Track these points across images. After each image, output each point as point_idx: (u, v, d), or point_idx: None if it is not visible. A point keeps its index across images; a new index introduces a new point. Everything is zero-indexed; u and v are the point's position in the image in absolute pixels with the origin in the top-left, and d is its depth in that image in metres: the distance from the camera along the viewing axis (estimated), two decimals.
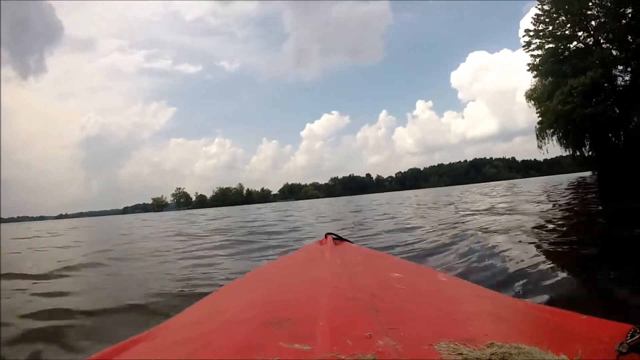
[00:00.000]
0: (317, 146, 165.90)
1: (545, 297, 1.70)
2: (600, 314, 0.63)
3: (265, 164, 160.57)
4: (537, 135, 16.52)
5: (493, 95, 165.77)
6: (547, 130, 15.68)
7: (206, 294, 1.04)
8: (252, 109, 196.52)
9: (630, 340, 0.49)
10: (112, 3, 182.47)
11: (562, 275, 1.94)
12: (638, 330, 0.50)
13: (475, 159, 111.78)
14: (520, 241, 3.00)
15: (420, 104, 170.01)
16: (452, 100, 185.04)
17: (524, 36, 15.76)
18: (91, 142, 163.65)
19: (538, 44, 15.56)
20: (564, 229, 3.74)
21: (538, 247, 2.74)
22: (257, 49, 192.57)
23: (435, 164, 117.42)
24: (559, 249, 2.67)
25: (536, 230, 3.59)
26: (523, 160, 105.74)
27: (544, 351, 0.46)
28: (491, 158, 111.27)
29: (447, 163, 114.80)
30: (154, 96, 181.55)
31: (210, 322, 0.68)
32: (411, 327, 0.53)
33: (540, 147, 16.62)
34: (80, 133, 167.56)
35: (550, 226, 3.80)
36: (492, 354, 0.45)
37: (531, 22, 15.39)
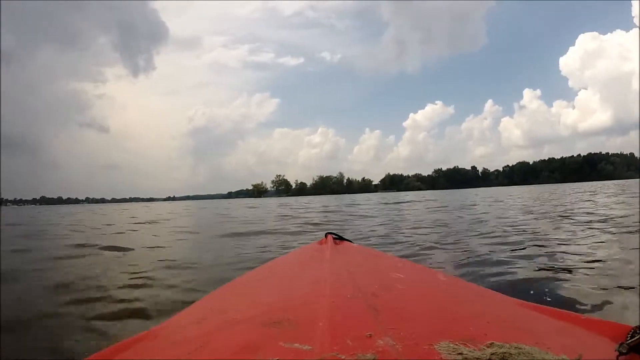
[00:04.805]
0: (421, 137, 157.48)
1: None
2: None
3: (367, 155, 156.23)
4: None
5: (606, 83, 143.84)
6: None
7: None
8: (354, 98, 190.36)
9: (630, 341, 0.49)
10: (212, 4, 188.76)
11: None
12: (638, 331, 0.50)
13: (590, 153, 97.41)
14: None
15: (527, 93, 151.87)
16: (561, 88, 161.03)
17: None
18: (199, 132, 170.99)
19: None
20: None
21: None
22: (357, 40, 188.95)
23: (545, 158, 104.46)
24: None
25: None
26: None
27: (544, 351, 0.46)
28: (607, 153, 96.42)
29: (559, 157, 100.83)
30: (258, 88, 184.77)
31: (210, 322, 0.68)
32: (411, 327, 0.53)
33: None
34: (188, 124, 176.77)
35: None
36: (492, 354, 0.45)
37: None
